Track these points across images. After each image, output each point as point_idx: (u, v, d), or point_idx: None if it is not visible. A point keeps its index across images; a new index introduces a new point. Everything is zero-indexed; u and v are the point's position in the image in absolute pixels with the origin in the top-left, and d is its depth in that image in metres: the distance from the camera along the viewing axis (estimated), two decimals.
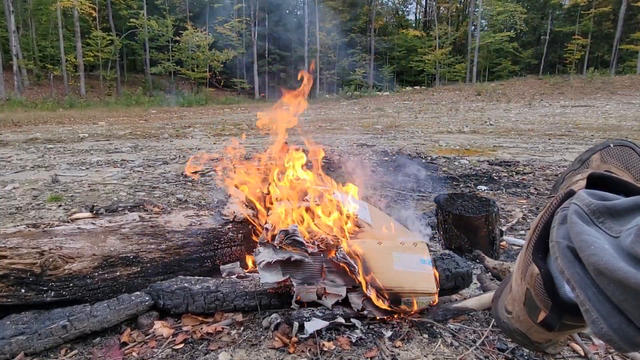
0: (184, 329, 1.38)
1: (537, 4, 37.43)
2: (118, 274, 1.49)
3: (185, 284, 1.45)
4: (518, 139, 7.35)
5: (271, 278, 1.47)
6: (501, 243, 2.19)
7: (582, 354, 1.29)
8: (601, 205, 0.44)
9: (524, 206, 3.03)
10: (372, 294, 1.45)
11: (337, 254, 1.51)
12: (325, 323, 1.36)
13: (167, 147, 6.50)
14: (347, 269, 1.48)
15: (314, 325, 1.35)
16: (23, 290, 1.34)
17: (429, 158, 5.17)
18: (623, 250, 0.39)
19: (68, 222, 2.46)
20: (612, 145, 0.66)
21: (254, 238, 1.81)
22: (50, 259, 1.36)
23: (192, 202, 3.15)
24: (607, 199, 0.46)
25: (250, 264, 1.77)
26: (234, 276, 1.61)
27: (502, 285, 0.68)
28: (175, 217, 1.74)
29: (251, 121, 11.93)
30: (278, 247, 1.56)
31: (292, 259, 1.49)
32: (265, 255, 1.57)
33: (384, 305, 1.45)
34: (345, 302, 1.47)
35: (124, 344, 1.31)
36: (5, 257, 1.31)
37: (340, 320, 1.40)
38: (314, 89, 33.04)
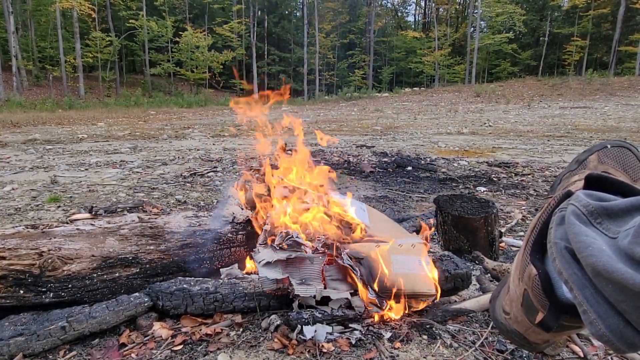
0: (183, 330, 1.38)
1: (536, 6, 37.52)
2: (117, 275, 1.49)
3: (185, 285, 1.45)
4: (517, 140, 7.36)
5: (270, 275, 1.47)
6: (500, 244, 2.19)
7: (581, 355, 1.29)
8: (599, 206, 0.44)
9: (523, 207, 3.04)
10: (373, 297, 1.45)
11: (342, 255, 1.52)
12: (329, 328, 1.36)
13: (166, 148, 6.49)
14: (351, 273, 1.48)
15: (314, 330, 1.35)
16: (22, 291, 1.33)
17: (428, 159, 5.18)
18: (621, 251, 0.39)
19: (67, 223, 2.46)
20: (609, 146, 0.66)
21: (255, 239, 1.81)
22: (49, 260, 1.36)
23: (191, 203, 3.14)
24: (605, 199, 0.46)
25: (249, 266, 1.77)
26: (233, 277, 1.61)
27: (499, 286, 0.68)
28: (174, 218, 1.74)
29: (251, 122, 11.92)
30: (278, 248, 1.56)
31: (292, 257, 1.49)
32: (265, 255, 1.57)
33: (384, 308, 1.45)
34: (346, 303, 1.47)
35: (123, 345, 1.31)
36: (4, 258, 1.31)
37: (341, 327, 1.40)
38: (313, 90, 33.06)
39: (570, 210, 0.45)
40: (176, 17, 31.94)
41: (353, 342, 1.31)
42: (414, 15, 49.97)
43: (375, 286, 1.48)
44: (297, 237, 1.58)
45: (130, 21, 28.32)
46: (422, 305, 1.49)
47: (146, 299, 1.43)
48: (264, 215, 1.81)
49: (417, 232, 2.21)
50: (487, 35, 33.95)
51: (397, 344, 1.32)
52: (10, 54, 22.16)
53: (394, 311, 1.45)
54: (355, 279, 1.47)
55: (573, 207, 0.46)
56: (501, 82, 28.83)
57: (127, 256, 1.52)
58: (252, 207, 1.91)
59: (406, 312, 1.47)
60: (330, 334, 1.35)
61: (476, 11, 32.80)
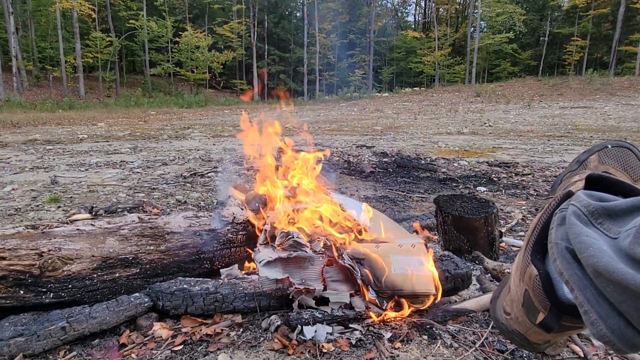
0: (183, 330, 1.38)
1: (536, 6, 37.52)
2: (117, 275, 1.49)
3: (185, 285, 1.45)
4: (517, 140, 7.36)
5: (270, 274, 1.47)
6: (500, 244, 2.19)
7: (582, 355, 1.29)
8: (599, 206, 0.44)
9: (523, 207, 3.04)
10: (373, 297, 1.45)
11: (343, 256, 1.52)
12: (329, 328, 1.36)
13: (167, 148, 6.49)
14: (351, 274, 1.48)
15: (314, 330, 1.35)
16: (22, 292, 1.33)
17: (429, 159, 5.18)
18: (622, 252, 0.39)
19: (67, 223, 2.47)
20: (610, 146, 0.66)
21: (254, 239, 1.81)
22: (49, 261, 1.36)
23: (191, 203, 3.14)
24: (605, 200, 0.46)
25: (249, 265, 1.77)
26: (233, 278, 1.61)
27: (500, 286, 0.68)
28: (174, 219, 1.74)
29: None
30: (278, 248, 1.56)
31: (292, 256, 1.49)
32: (265, 254, 1.57)
33: (384, 308, 1.45)
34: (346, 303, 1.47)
35: (123, 345, 1.31)
36: (4, 258, 1.31)
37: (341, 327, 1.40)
38: (313, 90, 33.06)
39: (571, 211, 0.45)
40: (176, 17, 31.95)
41: (353, 342, 1.31)
42: (414, 15, 50.01)
43: (376, 286, 1.48)
44: (297, 237, 1.58)
45: (131, 21, 28.33)
46: (423, 306, 1.49)
47: (146, 299, 1.43)
48: (264, 215, 1.81)
49: (417, 232, 2.22)
50: (487, 35, 33.96)
51: (397, 344, 1.31)
52: (11, 55, 22.16)
53: (400, 311, 1.45)
54: (356, 279, 1.47)
55: (574, 207, 0.46)
56: (501, 82, 28.84)
57: (127, 256, 1.52)
58: (253, 207, 1.91)
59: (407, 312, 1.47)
60: (331, 334, 1.35)
61: (476, 11, 32.80)
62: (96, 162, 5.02)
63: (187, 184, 3.80)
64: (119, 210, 2.83)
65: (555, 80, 24.56)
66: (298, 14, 41.83)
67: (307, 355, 1.25)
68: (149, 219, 1.73)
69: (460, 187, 3.74)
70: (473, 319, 1.48)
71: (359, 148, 6.37)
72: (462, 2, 41.48)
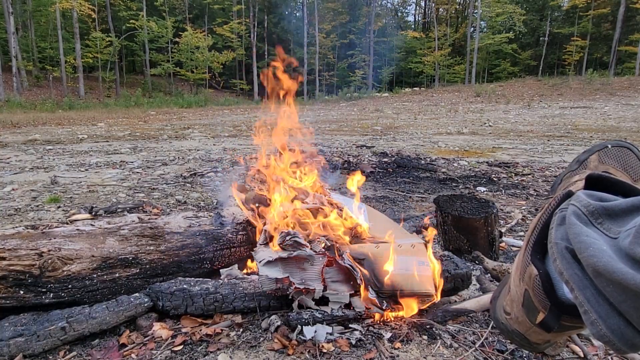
0: (183, 330, 1.38)
1: (536, 6, 37.53)
2: (117, 275, 1.49)
3: (185, 286, 1.45)
4: (517, 140, 7.36)
5: (271, 274, 1.47)
6: (500, 244, 2.19)
7: (582, 355, 1.29)
8: (599, 206, 0.44)
9: (523, 207, 3.04)
10: (373, 297, 1.45)
11: (342, 256, 1.52)
12: (329, 329, 1.36)
13: (166, 148, 6.49)
14: (351, 274, 1.48)
15: (314, 330, 1.35)
16: (22, 292, 1.33)
17: (428, 159, 5.18)
18: (622, 251, 0.39)
19: (67, 223, 2.47)
20: (610, 146, 0.66)
21: (254, 239, 1.81)
22: (49, 261, 1.36)
23: (191, 203, 3.14)
24: (605, 200, 0.46)
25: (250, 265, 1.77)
26: (233, 278, 1.61)
27: (500, 286, 0.68)
28: (174, 219, 1.74)
29: (250, 122, 11.95)
30: (278, 248, 1.56)
31: (293, 255, 1.49)
32: (265, 254, 1.57)
33: (384, 308, 1.45)
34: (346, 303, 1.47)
35: (123, 345, 1.31)
36: (4, 258, 1.31)
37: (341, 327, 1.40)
38: (313, 90, 33.04)
39: (571, 211, 0.45)
40: (176, 17, 31.97)
41: (353, 342, 1.31)
42: (414, 15, 50.01)
43: (375, 286, 1.48)
44: (297, 237, 1.58)
45: (131, 21, 28.35)
46: (423, 306, 1.49)
47: (146, 300, 1.43)
48: (263, 215, 1.81)
49: (418, 232, 2.22)
50: (487, 35, 33.96)
51: (397, 344, 1.31)
52: (10, 55, 22.16)
53: (404, 312, 1.45)
54: (356, 280, 1.47)
55: (574, 207, 0.46)
56: (501, 82, 28.85)
57: (127, 256, 1.52)
58: (252, 207, 1.91)
59: (406, 312, 1.47)
60: (330, 334, 1.35)
61: (476, 11, 32.80)
62: (96, 162, 5.02)
63: (187, 184, 3.80)
64: (119, 210, 2.83)
65: (555, 80, 24.56)
66: (298, 14, 41.82)
67: (307, 355, 1.25)
68: (149, 219, 1.73)
69: (460, 187, 3.74)
70: (473, 319, 1.48)
71: (359, 148, 6.37)
72: (462, 2, 41.51)
